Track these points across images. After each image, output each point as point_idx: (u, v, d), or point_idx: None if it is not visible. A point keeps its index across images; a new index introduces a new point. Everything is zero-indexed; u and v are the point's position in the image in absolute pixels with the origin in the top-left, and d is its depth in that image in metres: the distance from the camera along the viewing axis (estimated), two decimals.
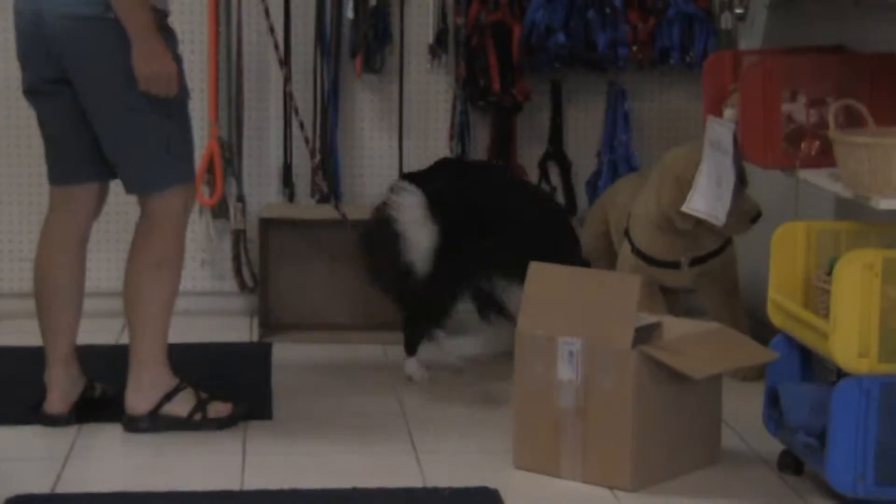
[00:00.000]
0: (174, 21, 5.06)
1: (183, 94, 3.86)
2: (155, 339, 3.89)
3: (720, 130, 3.95)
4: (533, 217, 4.46)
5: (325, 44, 5.07)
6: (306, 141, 4.76)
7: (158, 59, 3.74)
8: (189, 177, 3.93)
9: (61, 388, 3.93)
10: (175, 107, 3.83)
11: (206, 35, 5.02)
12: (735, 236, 4.42)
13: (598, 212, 4.70)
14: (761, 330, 4.19)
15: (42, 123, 3.93)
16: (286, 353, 4.70)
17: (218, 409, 3.95)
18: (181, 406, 3.91)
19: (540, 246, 4.17)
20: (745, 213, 4.22)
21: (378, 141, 5.18)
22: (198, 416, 3.92)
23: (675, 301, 4.55)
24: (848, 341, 3.22)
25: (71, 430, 3.90)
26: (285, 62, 4.99)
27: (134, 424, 3.90)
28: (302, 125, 4.70)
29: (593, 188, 5.14)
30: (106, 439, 3.88)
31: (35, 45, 3.79)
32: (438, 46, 5.09)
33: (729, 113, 3.95)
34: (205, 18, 5.02)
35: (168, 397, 3.91)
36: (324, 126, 5.09)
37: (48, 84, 3.82)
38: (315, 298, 4.95)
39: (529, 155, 5.17)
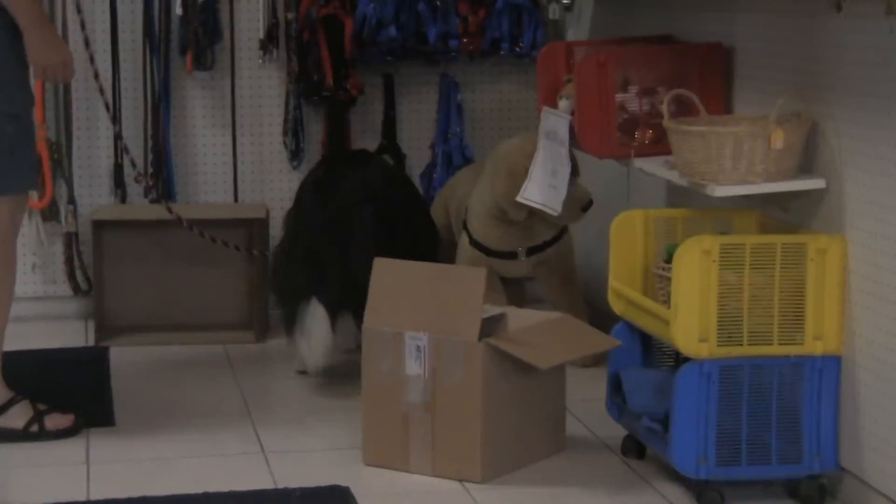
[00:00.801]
0: None
1: (29, 101, 3.77)
2: None
3: (555, 121, 4.00)
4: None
5: (154, 41, 4.99)
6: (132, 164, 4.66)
7: (54, 46, 3.70)
8: (25, 187, 3.84)
9: None
10: (23, 113, 3.74)
11: None
12: (571, 225, 4.48)
13: (439, 205, 4.73)
14: (599, 317, 4.27)
15: None
16: (125, 356, 4.62)
17: (57, 420, 3.87)
18: (16, 418, 3.83)
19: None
20: (577, 202, 4.29)
21: (211, 138, 5.12)
22: (34, 428, 3.84)
23: (515, 290, 4.60)
24: (688, 327, 3.30)
25: None
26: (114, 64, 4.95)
27: None
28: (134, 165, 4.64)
29: (428, 180, 5.17)
30: None
31: None
32: (269, 42, 5.05)
33: (564, 104, 4.01)
34: None
35: (1, 410, 3.82)
36: (155, 125, 5.01)
37: None
38: (152, 299, 4.88)
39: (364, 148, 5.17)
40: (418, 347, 3.57)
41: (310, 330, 4.11)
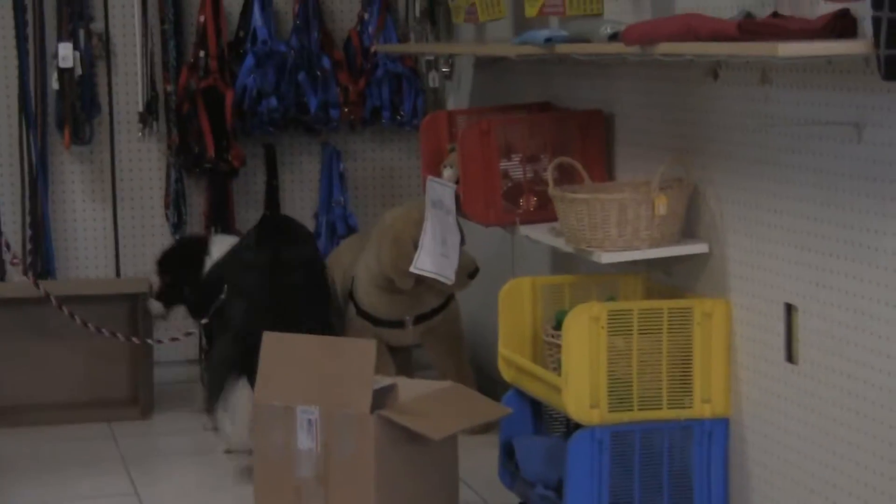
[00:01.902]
0: None
1: None
2: None
3: (441, 190, 4.02)
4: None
5: (30, 116, 4.92)
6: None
7: None
8: None
9: None
10: None
11: None
12: (457, 292, 4.50)
13: None
14: (487, 383, 4.29)
15: None
16: (5, 438, 4.53)
17: None
18: None
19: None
20: (464, 270, 4.30)
21: (91, 213, 5.06)
22: None
23: (403, 358, 4.59)
24: (579, 393, 3.32)
25: None
26: None
27: None
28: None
29: None
30: None
31: None
32: (149, 114, 5.02)
33: (448, 173, 4.03)
34: None
35: None
36: (33, 200, 4.94)
37: None
38: (32, 379, 4.78)
39: (246, 219, 5.14)
40: (310, 421, 3.55)
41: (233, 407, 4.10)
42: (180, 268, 4.60)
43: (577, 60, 3.79)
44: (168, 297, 4.63)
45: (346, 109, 5.06)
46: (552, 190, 3.54)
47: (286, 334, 3.65)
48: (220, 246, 4.59)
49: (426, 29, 5.11)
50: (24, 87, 4.92)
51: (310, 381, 3.56)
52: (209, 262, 4.55)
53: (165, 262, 4.64)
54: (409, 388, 3.76)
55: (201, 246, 4.64)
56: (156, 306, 4.65)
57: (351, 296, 4.49)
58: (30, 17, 4.90)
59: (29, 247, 4.95)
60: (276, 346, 3.62)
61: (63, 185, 5.03)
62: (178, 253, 4.69)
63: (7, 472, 4.18)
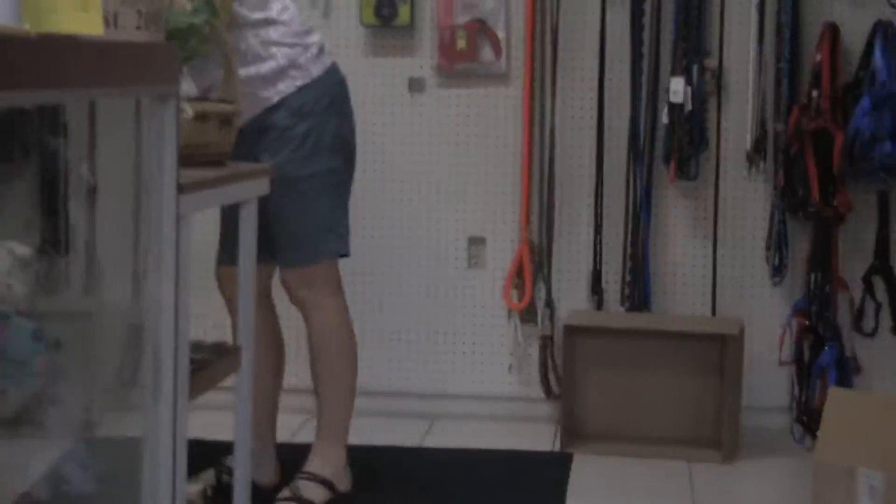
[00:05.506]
0: (493, 125, 5.12)
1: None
2: None
3: None
4: None
5: (638, 149, 4.98)
6: None
7: None
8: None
9: None
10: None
11: (521, 140, 5.03)
12: None
13: None
14: None
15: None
16: (587, 464, 4.59)
17: None
18: None
19: None
20: None
21: (691, 248, 5.04)
22: None
23: None
24: None
25: None
26: (598, 171, 4.98)
27: None
28: None
29: None
30: None
31: None
32: (756, 153, 4.92)
33: None
34: (519, 125, 5.03)
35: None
36: (635, 232, 4.99)
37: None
38: (619, 409, 4.83)
39: (852, 268, 4.92)
40: (872, 487, 3.32)
41: None
42: None
43: None
44: None
45: None
46: None
47: (851, 391, 3.45)
48: None
49: None
50: (634, 120, 4.99)
51: (874, 443, 3.33)
52: None
53: None
54: None
55: None
56: None
57: None
58: (646, 51, 4.96)
59: (628, 278, 5.01)
60: (840, 402, 3.43)
61: (665, 220, 5.04)
62: None
63: (582, 497, 4.23)
